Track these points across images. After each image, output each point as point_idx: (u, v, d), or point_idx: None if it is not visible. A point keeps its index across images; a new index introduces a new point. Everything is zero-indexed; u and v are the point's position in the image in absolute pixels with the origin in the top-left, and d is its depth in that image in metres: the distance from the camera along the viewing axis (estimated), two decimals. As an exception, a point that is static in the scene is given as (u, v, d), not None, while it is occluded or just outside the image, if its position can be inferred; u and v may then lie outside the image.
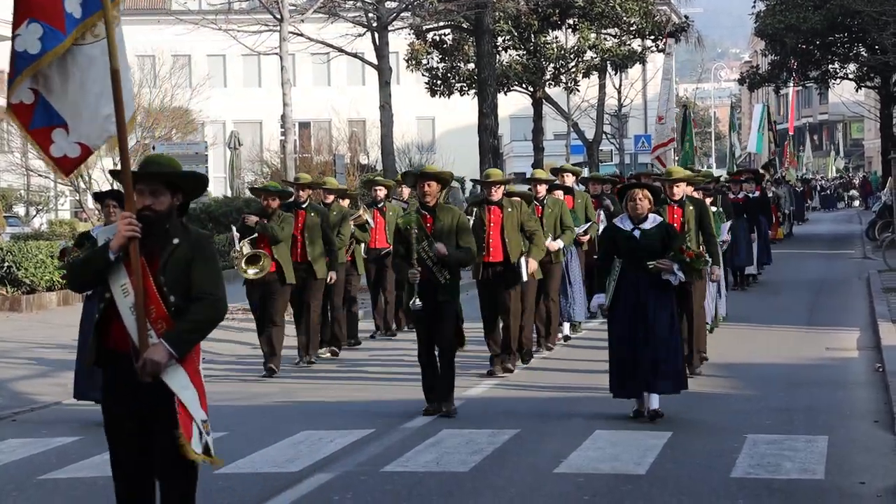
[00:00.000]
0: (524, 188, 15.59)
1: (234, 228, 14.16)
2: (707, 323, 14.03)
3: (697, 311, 13.05)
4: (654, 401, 10.43)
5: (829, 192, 66.46)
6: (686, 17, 42.29)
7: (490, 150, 30.39)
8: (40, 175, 39.11)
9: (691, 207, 12.81)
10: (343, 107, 51.77)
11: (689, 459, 9.06)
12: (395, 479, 8.62)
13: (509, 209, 13.10)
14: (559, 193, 15.35)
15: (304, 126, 52.60)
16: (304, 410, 11.74)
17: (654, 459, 8.97)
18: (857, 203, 66.95)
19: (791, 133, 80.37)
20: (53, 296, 22.12)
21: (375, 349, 16.16)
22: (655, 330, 10.34)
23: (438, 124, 61.85)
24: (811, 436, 9.82)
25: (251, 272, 13.49)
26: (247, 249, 13.54)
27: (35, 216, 41.18)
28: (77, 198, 40.83)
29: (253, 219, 13.78)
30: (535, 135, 39.72)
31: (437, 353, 11.09)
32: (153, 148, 25.67)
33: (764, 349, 15.21)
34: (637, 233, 10.52)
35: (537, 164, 37.46)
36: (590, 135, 42.93)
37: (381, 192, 17.07)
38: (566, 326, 16.03)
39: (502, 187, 13.29)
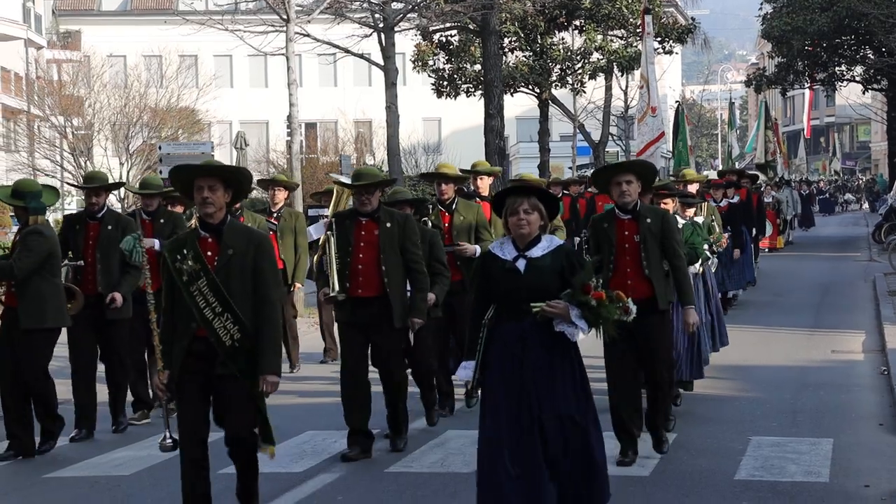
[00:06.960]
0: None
1: None
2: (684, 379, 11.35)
3: (667, 358, 9.38)
4: None
5: (827, 195, 66.09)
6: (693, 18, 42.26)
7: (496, 152, 30.35)
8: (46, 175, 39.21)
9: (649, 220, 9.09)
10: (349, 108, 51.88)
11: (692, 461, 9.05)
12: (399, 480, 8.63)
13: (388, 224, 9.54)
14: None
15: (311, 127, 52.67)
16: (309, 410, 11.74)
17: (657, 461, 8.97)
18: (853, 206, 66.65)
19: (807, 136, 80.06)
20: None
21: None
22: (551, 412, 6.79)
23: (444, 125, 61.86)
24: (816, 438, 9.81)
25: None
26: None
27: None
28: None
29: None
30: (542, 136, 39.68)
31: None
32: (159, 148, 25.65)
33: (769, 351, 15.19)
34: (521, 263, 6.90)
35: (543, 165, 37.46)
36: (596, 136, 42.91)
37: (281, 195, 13.70)
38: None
39: (378, 192, 9.66)
